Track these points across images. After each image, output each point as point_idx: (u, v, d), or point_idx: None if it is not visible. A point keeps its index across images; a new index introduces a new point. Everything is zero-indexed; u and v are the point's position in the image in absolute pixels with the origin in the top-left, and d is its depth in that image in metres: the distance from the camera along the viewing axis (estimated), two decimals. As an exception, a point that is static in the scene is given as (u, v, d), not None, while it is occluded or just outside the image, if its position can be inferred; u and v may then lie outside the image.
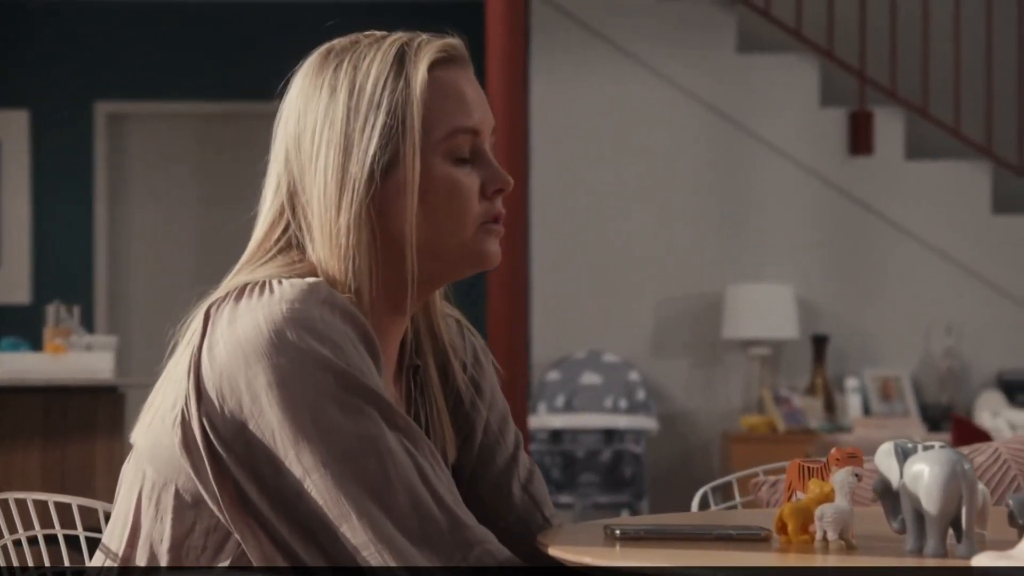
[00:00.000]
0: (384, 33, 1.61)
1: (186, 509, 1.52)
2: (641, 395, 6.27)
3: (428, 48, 1.58)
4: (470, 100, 1.60)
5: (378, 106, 1.55)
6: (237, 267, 1.61)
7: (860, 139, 6.53)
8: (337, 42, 1.62)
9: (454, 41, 1.61)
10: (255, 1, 7.93)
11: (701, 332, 6.52)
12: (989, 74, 6.65)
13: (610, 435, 6.02)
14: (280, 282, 1.52)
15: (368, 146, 1.55)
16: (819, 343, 6.35)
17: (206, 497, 1.50)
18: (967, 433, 4.59)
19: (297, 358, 1.47)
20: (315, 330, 1.48)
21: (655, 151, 6.60)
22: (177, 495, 1.52)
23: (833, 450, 1.54)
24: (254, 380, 1.47)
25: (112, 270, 8.05)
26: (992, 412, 4.69)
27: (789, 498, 1.61)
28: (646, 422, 6.08)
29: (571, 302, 6.54)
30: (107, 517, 1.87)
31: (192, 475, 1.50)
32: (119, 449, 4.34)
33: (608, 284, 6.54)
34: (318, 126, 1.56)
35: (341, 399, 1.47)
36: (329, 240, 1.55)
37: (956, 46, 6.66)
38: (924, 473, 1.43)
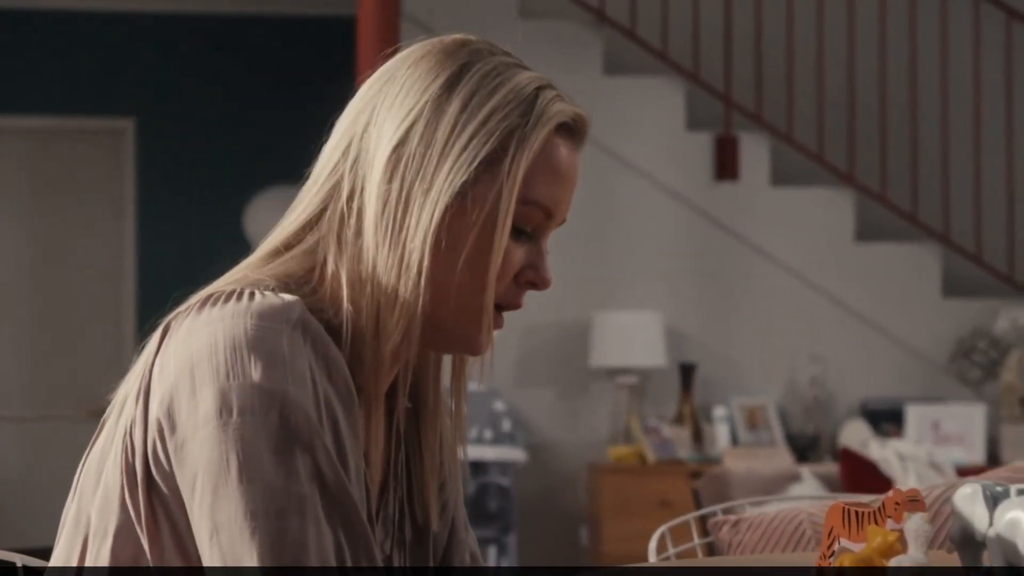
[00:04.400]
0: (523, 63, 1.43)
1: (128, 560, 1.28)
2: (507, 425, 6.05)
3: (564, 106, 1.39)
4: (564, 181, 1.40)
5: (490, 132, 1.35)
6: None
7: (726, 164, 6.46)
8: (476, 38, 1.43)
9: (586, 115, 1.42)
10: (93, 11, 7.57)
11: (567, 360, 6.35)
12: (852, 102, 6.64)
13: (476, 467, 5.80)
14: (252, 294, 1.28)
15: (463, 168, 1.34)
16: (686, 371, 6.23)
17: (147, 551, 1.27)
18: (856, 465, 4.49)
19: (248, 389, 1.23)
20: (278, 357, 1.24)
21: (519, 174, 6.42)
22: (114, 549, 1.28)
23: (891, 492, 1.38)
24: (196, 409, 1.23)
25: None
26: (879, 443, 4.62)
27: (830, 545, 1.45)
28: (513, 453, 5.88)
29: (433, 329, 6.31)
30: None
31: (134, 521, 1.27)
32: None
33: (471, 310, 6.33)
34: (421, 111, 1.36)
35: (281, 448, 1.22)
36: (390, 250, 1.34)
37: (819, 73, 6.63)
38: (1022, 521, 1.25)
